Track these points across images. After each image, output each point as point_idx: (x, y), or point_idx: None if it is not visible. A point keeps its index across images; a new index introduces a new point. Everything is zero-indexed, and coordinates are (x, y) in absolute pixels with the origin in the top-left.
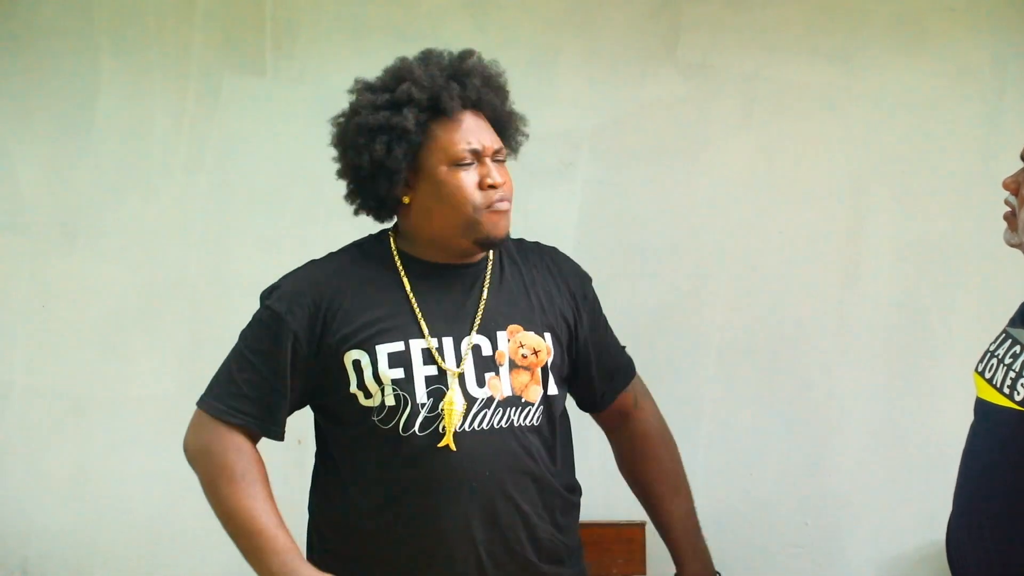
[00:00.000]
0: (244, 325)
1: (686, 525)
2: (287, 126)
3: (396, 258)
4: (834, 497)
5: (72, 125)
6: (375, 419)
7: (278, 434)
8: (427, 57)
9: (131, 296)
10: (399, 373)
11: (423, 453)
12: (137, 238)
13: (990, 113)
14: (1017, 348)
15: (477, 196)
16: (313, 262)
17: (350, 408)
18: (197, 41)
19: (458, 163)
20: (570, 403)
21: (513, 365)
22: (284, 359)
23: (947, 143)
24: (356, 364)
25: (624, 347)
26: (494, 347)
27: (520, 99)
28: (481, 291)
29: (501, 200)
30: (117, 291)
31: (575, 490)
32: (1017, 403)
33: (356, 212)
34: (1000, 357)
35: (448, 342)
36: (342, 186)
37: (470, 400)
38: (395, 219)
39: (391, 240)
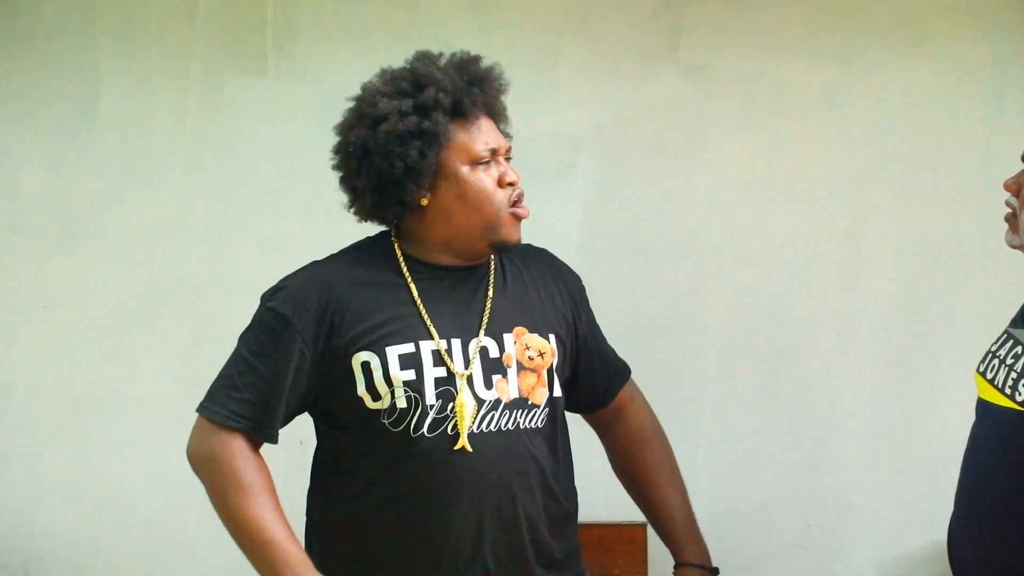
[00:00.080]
0: (244, 327)
1: (684, 513)
2: (288, 126)
3: (401, 260)
4: (835, 497)
5: (73, 125)
6: (385, 421)
7: (273, 438)
8: (434, 59)
9: (132, 296)
10: (411, 375)
11: (432, 454)
12: (138, 238)
13: (991, 113)
14: (1019, 349)
15: (499, 194)
16: (316, 263)
17: (355, 410)
18: (198, 41)
19: (478, 162)
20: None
21: (520, 367)
22: (289, 362)
23: (948, 143)
24: (365, 366)
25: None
26: (501, 349)
27: (521, 100)
28: (486, 293)
29: (521, 198)
30: (118, 291)
31: (574, 495)
32: (1018, 403)
33: (365, 219)
34: (1001, 358)
35: (456, 344)
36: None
37: (479, 402)
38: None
39: (394, 242)
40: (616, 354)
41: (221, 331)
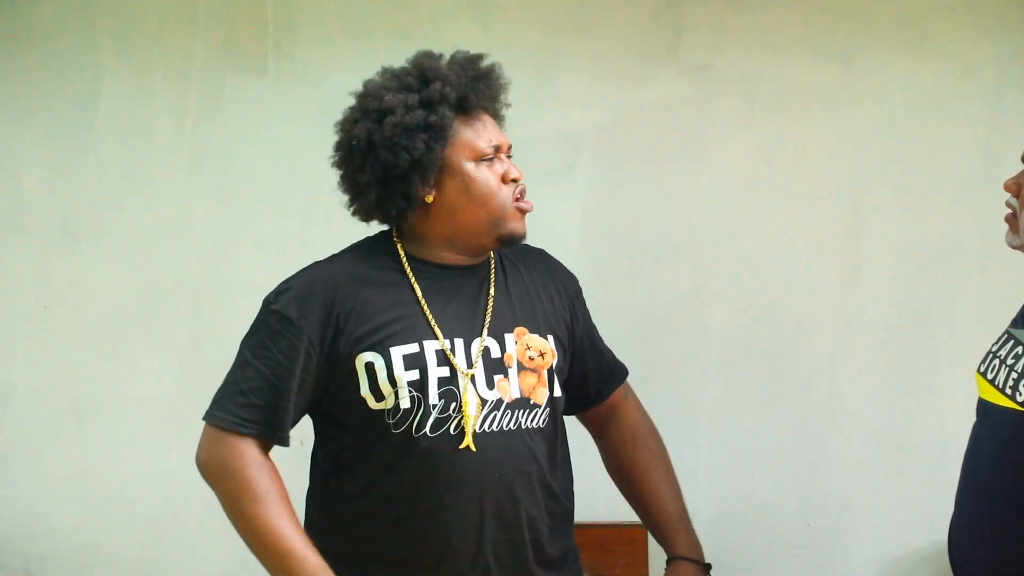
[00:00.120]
0: (245, 327)
1: (678, 509)
2: (289, 126)
3: (404, 259)
4: (835, 498)
5: (73, 125)
6: (388, 421)
7: (285, 441)
8: (437, 57)
9: (132, 296)
10: (415, 375)
11: (434, 454)
12: (138, 238)
13: (991, 114)
14: (1019, 349)
15: (504, 190)
16: (318, 264)
17: (357, 411)
18: (199, 41)
19: (482, 158)
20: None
21: (521, 367)
22: (296, 364)
23: (948, 143)
24: (369, 367)
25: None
26: (502, 349)
27: (522, 100)
28: (488, 293)
29: (524, 194)
30: (118, 291)
31: (572, 494)
32: (1019, 404)
33: (367, 218)
34: (1002, 358)
35: (459, 344)
36: None
37: (482, 402)
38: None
39: (396, 241)
40: (613, 355)
41: (221, 331)
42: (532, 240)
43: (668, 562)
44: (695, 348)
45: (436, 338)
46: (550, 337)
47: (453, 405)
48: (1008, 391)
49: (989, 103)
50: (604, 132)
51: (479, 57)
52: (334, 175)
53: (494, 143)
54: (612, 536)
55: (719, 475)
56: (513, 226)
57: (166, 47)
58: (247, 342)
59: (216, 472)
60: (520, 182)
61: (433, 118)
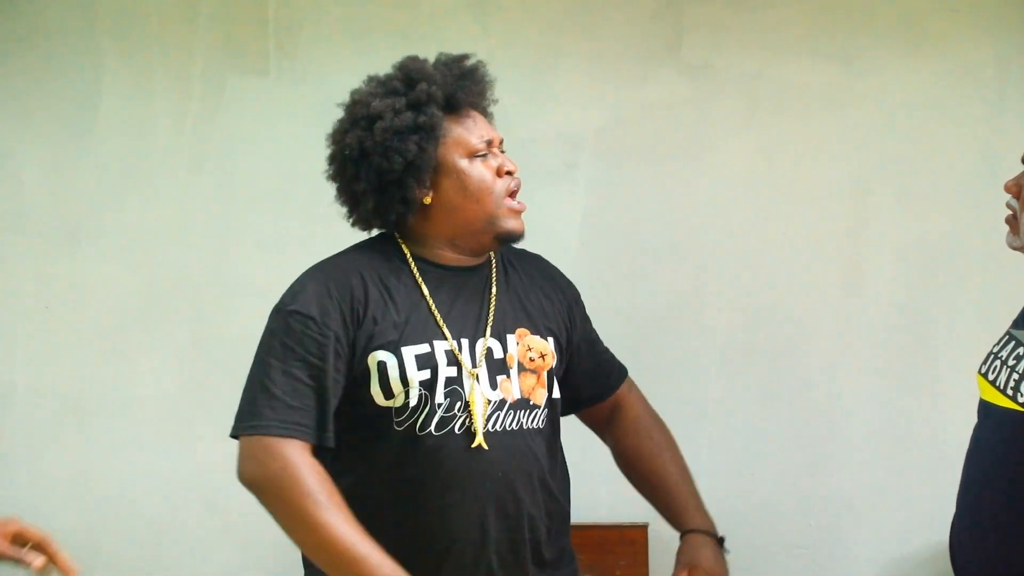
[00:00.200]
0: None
1: (688, 488)
2: (289, 126)
3: (409, 258)
4: (836, 498)
5: (75, 125)
6: (394, 419)
7: (331, 440)
8: (421, 60)
9: (133, 296)
10: (426, 375)
11: (438, 452)
12: (139, 239)
13: (992, 114)
14: (1021, 350)
15: (498, 184)
16: (326, 263)
17: (363, 408)
18: (200, 42)
19: (476, 154)
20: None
21: (522, 368)
22: (327, 363)
23: (949, 144)
24: (381, 366)
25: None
26: (504, 350)
27: (522, 100)
28: (490, 293)
29: (518, 188)
30: (119, 292)
31: (568, 497)
32: (1020, 404)
33: (367, 227)
34: (1003, 359)
35: (465, 343)
36: None
37: (487, 402)
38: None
39: (399, 241)
40: (613, 356)
41: (221, 331)
42: (532, 240)
43: (682, 536)
44: (695, 348)
45: (445, 338)
46: (550, 339)
47: (458, 404)
48: (1009, 392)
49: (990, 103)
50: (604, 132)
51: (463, 57)
52: None
53: (486, 138)
54: (613, 537)
55: (719, 475)
56: (510, 224)
57: (167, 47)
58: (269, 350)
59: (273, 484)
60: (515, 175)
61: (422, 119)
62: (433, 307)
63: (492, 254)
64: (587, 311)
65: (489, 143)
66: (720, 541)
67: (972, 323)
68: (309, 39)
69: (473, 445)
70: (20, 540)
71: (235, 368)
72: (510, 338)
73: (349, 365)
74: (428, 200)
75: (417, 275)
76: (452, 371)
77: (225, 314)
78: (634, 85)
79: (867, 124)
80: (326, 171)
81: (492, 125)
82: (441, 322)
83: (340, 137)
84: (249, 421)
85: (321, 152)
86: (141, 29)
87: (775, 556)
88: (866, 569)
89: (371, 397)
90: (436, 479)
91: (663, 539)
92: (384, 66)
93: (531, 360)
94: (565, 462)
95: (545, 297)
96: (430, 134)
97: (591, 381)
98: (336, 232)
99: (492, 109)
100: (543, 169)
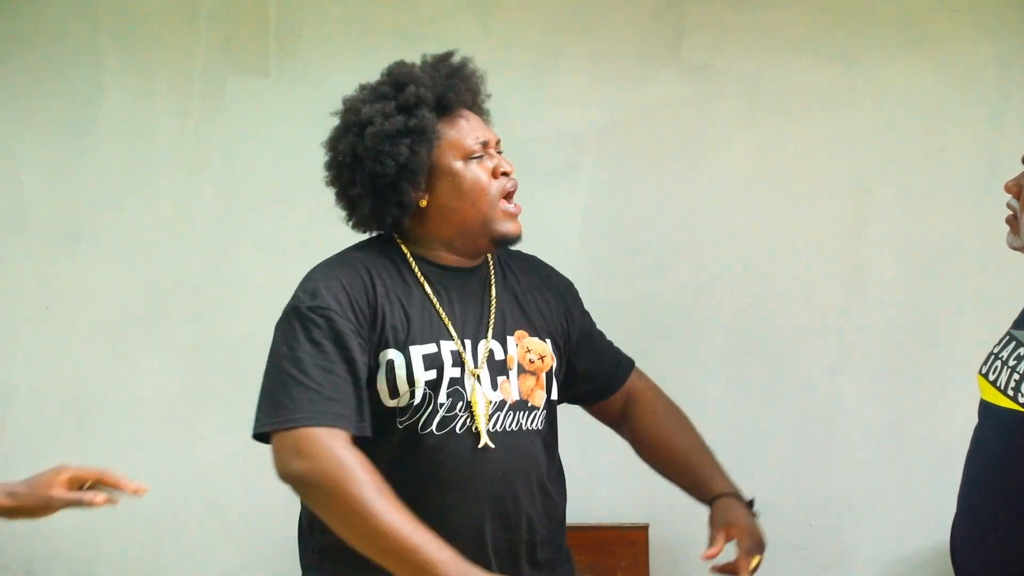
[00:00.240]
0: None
1: (712, 457)
2: (291, 126)
3: (411, 259)
4: (837, 498)
5: (76, 126)
6: (397, 418)
7: (368, 430)
8: (409, 64)
9: (134, 297)
10: (432, 374)
11: (438, 452)
12: (140, 239)
13: (994, 114)
14: (1021, 350)
15: (493, 185)
16: (334, 261)
17: (369, 406)
18: (201, 42)
19: (471, 156)
20: (569, 408)
21: (521, 370)
22: (355, 355)
23: (950, 144)
24: (389, 364)
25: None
26: (504, 351)
27: (523, 100)
28: (489, 295)
29: (514, 189)
30: (120, 292)
31: (564, 499)
32: (1020, 405)
33: (365, 230)
34: (1004, 359)
35: (468, 344)
36: None
37: (488, 402)
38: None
39: (400, 242)
40: (617, 349)
41: (222, 331)
42: (532, 240)
43: (711, 503)
44: (695, 348)
45: (451, 338)
46: (548, 341)
47: (460, 404)
48: (1010, 392)
49: (990, 104)
50: (605, 132)
51: (448, 55)
52: None
53: (481, 139)
54: (613, 538)
55: None
56: (505, 227)
57: (168, 47)
58: (291, 346)
59: (327, 478)
60: (511, 176)
61: (413, 122)
62: (438, 307)
63: (489, 256)
64: (586, 308)
65: (485, 144)
66: (749, 504)
67: (972, 323)
68: (310, 39)
69: (479, 445)
70: (77, 482)
71: (236, 368)
72: (510, 340)
73: (367, 358)
74: (424, 203)
75: (419, 275)
76: (456, 371)
77: (226, 314)
78: (634, 85)
79: (867, 124)
80: (324, 177)
81: (488, 125)
82: (447, 322)
83: (334, 144)
84: (286, 415)
85: (322, 152)
86: (142, 29)
87: (775, 556)
88: (866, 569)
89: (376, 394)
90: (437, 478)
91: (663, 540)
92: (385, 66)
93: (530, 362)
94: (561, 464)
95: (542, 298)
96: (422, 137)
97: (599, 373)
98: (337, 232)
99: (491, 109)
100: (543, 169)
